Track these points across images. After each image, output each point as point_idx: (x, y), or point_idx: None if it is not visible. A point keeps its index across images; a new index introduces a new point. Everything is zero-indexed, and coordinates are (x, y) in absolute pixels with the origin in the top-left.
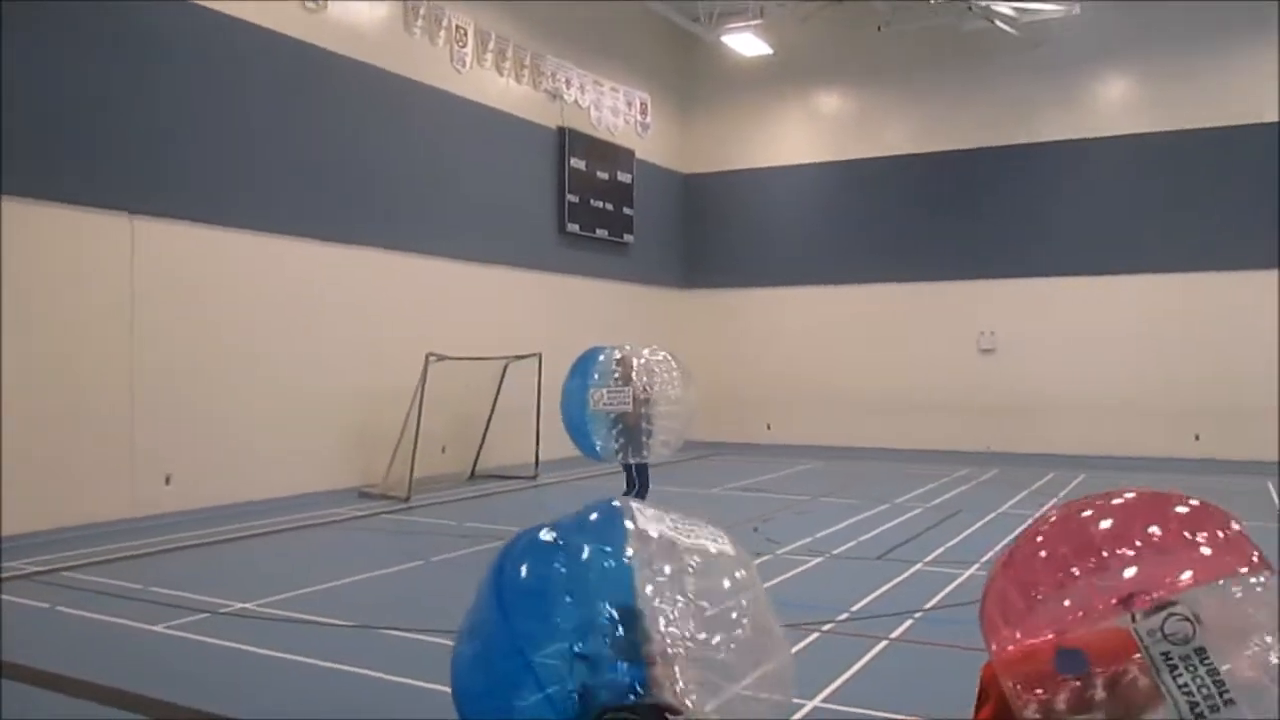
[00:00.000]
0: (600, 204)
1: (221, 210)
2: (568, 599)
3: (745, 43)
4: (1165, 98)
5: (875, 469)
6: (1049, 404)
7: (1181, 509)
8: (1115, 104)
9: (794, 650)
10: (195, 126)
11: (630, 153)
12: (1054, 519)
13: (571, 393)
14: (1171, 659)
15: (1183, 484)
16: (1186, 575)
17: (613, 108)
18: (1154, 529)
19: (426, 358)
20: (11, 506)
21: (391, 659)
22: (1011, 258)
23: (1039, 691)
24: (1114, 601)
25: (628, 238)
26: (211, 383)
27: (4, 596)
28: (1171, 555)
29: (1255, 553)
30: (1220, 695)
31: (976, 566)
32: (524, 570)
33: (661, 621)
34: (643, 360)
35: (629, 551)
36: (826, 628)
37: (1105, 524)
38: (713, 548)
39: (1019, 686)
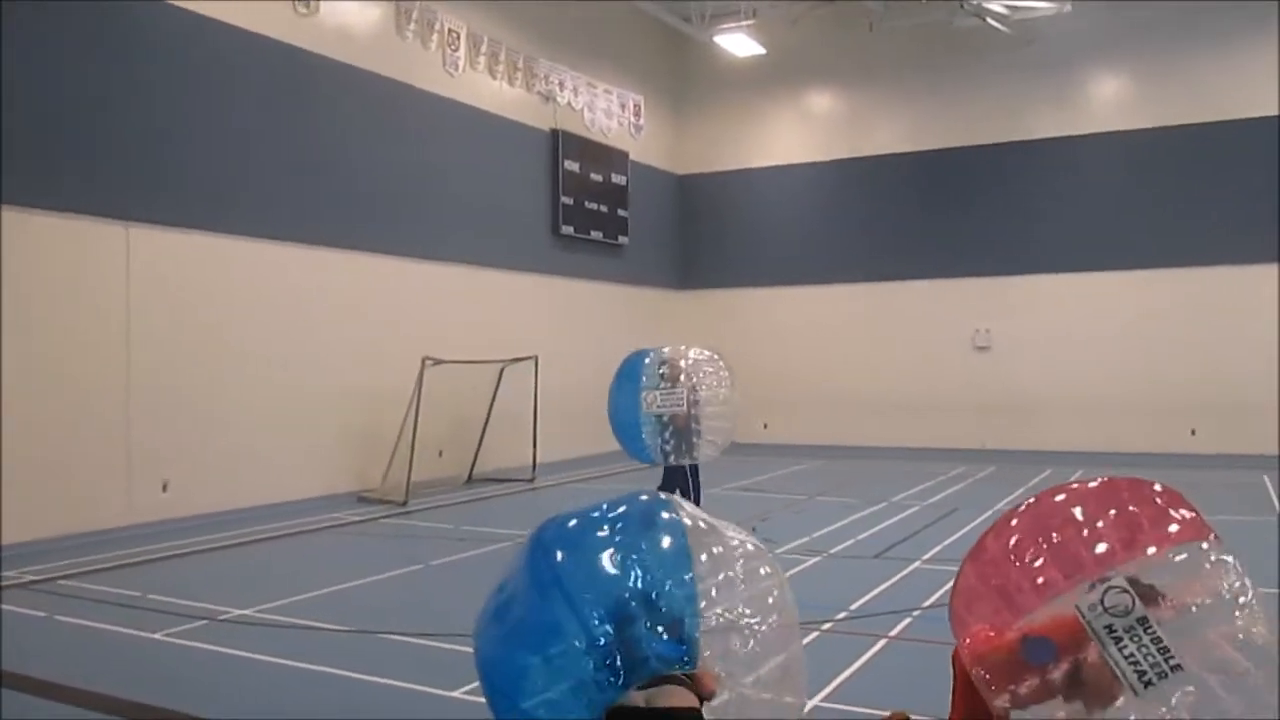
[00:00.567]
0: (594, 206)
1: (217, 217)
2: (619, 561)
3: (738, 43)
4: (1156, 94)
5: (872, 467)
6: (1044, 401)
7: (1143, 493)
8: (1107, 101)
9: None
10: (189, 133)
11: (624, 154)
12: (1017, 510)
13: (621, 396)
14: (1115, 631)
15: (1179, 479)
16: (1150, 550)
17: (606, 109)
18: (1115, 512)
19: (423, 361)
20: (9, 515)
21: (390, 664)
22: (1005, 255)
23: (1009, 682)
24: (1080, 584)
25: (622, 239)
26: (208, 389)
27: (2, 605)
28: (1135, 536)
29: (1213, 532)
30: (1166, 661)
31: None
32: (572, 536)
33: (714, 593)
34: (690, 360)
35: (686, 522)
36: (825, 626)
37: (1068, 511)
38: (746, 538)
39: (988, 677)
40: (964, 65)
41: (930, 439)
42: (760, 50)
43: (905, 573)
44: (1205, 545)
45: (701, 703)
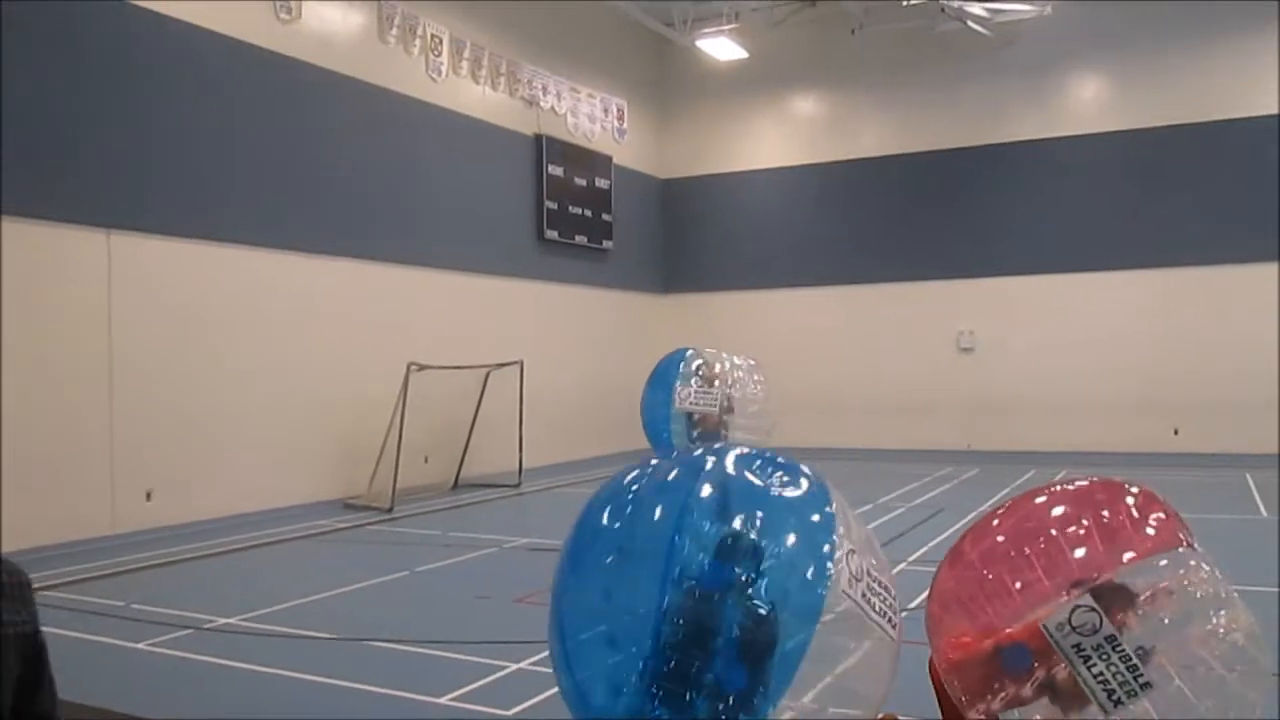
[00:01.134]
0: (579, 210)
1: (199, 223)
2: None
3: (720, 47)
4: (1136, 96)
5: (857, 469)
6: (1029, 401)
7: (1121, 496)
8: (1088, 103)
9: None
10: (171, 139)
11: (608, 158)
12: (996, 514)
13: (654, 391)
14: (1083, 650)
15: (1162, 478)
16: (1128, 556)
17: (589, 114)
18: (1093, 517)
19: (407, 367)
20: None
21: (377, 671)
22: (989, 257)
23: (984, 691)
24: (1059, 589)
25: (607, 244)
26: (191, 397)
27: None
28: (1113, 541)
29: (1188, 538)
30: (1135, 679)
31: None
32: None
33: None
34: (728, 364)
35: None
36: None
37: (1046, 517)
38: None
39: (962, 689)
40: (945, 68)
41: (915, 440)
42: (743, 54)
43: (892, 574)
44: (1181, 550)
45: None
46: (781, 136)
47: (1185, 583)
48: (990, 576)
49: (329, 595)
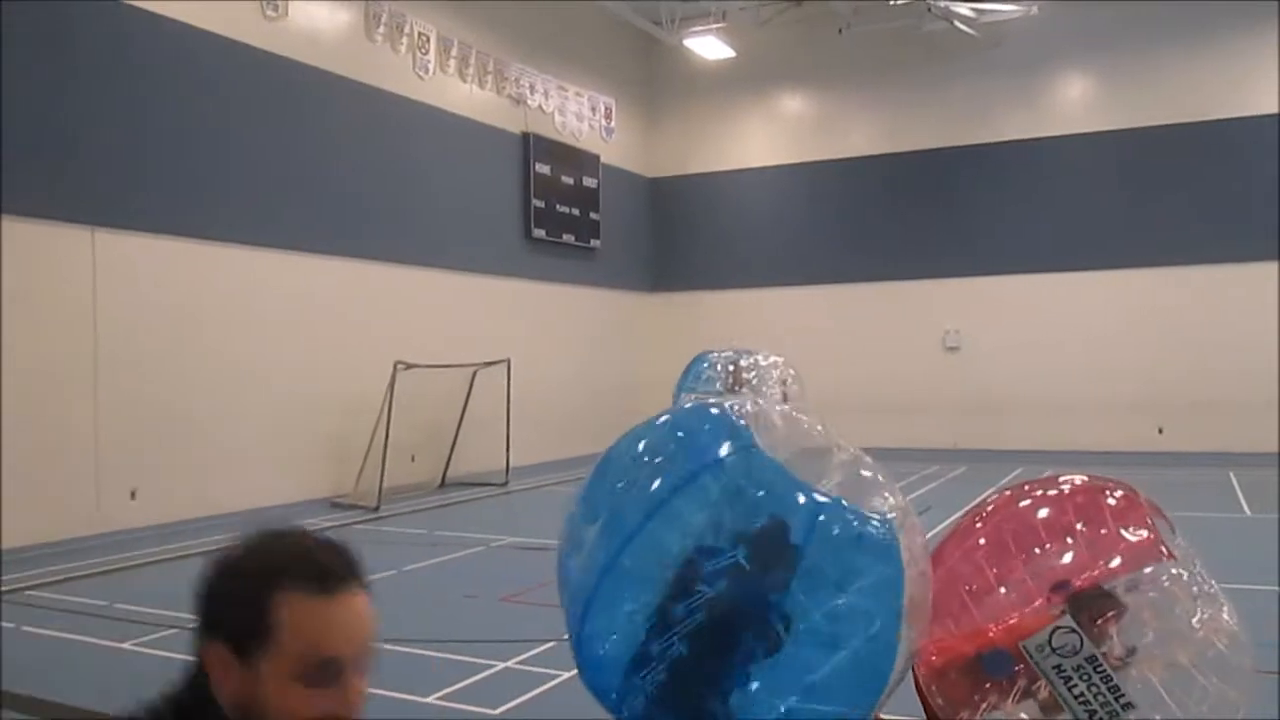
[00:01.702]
0: (566, 209)
1: (184, 221)
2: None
3: (708, 46)
4: (1122, 96)
5: None
6: (1014, 400)
7: (1103, 497)
8: (1074, 102)
9: None
10: (156, 137)
11: (595, 157)
12: (980, 514)
13: (676, 396)
14: (1064, 671)
15: (1147, 476)
16: (1115, 562)
17: (577, 112)
18: (1076, 519)
19: (395, 366)
20: None
21: None
22: (975, 256)
23: (967, 696)
24: (1041, 590)
25: (594, 242)
26: (176, 396)
27: None
28: (1095, 544)
29: (1168, 543)
30: (1116, 700)
31: None
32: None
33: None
34: (752, 369)
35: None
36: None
37: (1029, 519)
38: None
39: (941, 698)
40: (933, 68)
41: (902, 439)
42: (730, 53)
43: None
44: (1163, 552)
45: None
46: (769, 135)
47: (1167, 587)
48: (972, 580)
49: None
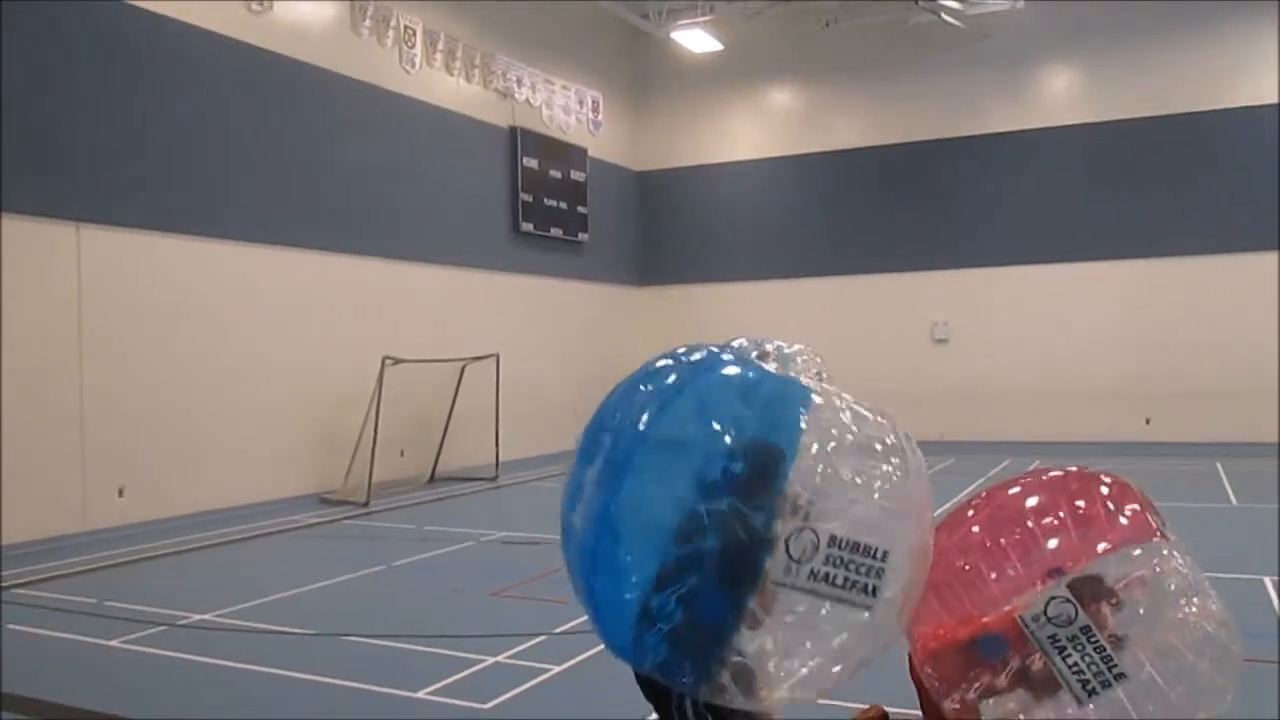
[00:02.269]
0: (554, 203)
1: (170, 216)
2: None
3: (695, 39)
4: (1109, 88)
5: None
6: (1003, 392)
7: (1094, 486)
8: (1061, 95)
9: None
10: (140, 132)
11: (583, 151)
12: (971, 505)
13: None
14: (1059, 640)
15: (1135, 466)
16: (1103, 546)
17: (564, 106)
18: (1067, 508)
19: (383, 361)
20: None
21: (353, 666)
22: (963, 248)
23: (960, 680)
24: (1035, 578)
25: (582, 236)
26: (164, 391)
27: None
28: (1086, 531)
29: (1160, 527)
30: (1109, 670)
31: None
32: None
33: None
34: (780, 353)
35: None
36: None
37: (1021, 508)
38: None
39: (938, 678)
40: (920, 61)
41: None
42: (717, 46)
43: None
44: (1155, 540)
45: None
46: (756, 129)
47: (1158, 572)
48: (966, 566)
49: (304, 590)
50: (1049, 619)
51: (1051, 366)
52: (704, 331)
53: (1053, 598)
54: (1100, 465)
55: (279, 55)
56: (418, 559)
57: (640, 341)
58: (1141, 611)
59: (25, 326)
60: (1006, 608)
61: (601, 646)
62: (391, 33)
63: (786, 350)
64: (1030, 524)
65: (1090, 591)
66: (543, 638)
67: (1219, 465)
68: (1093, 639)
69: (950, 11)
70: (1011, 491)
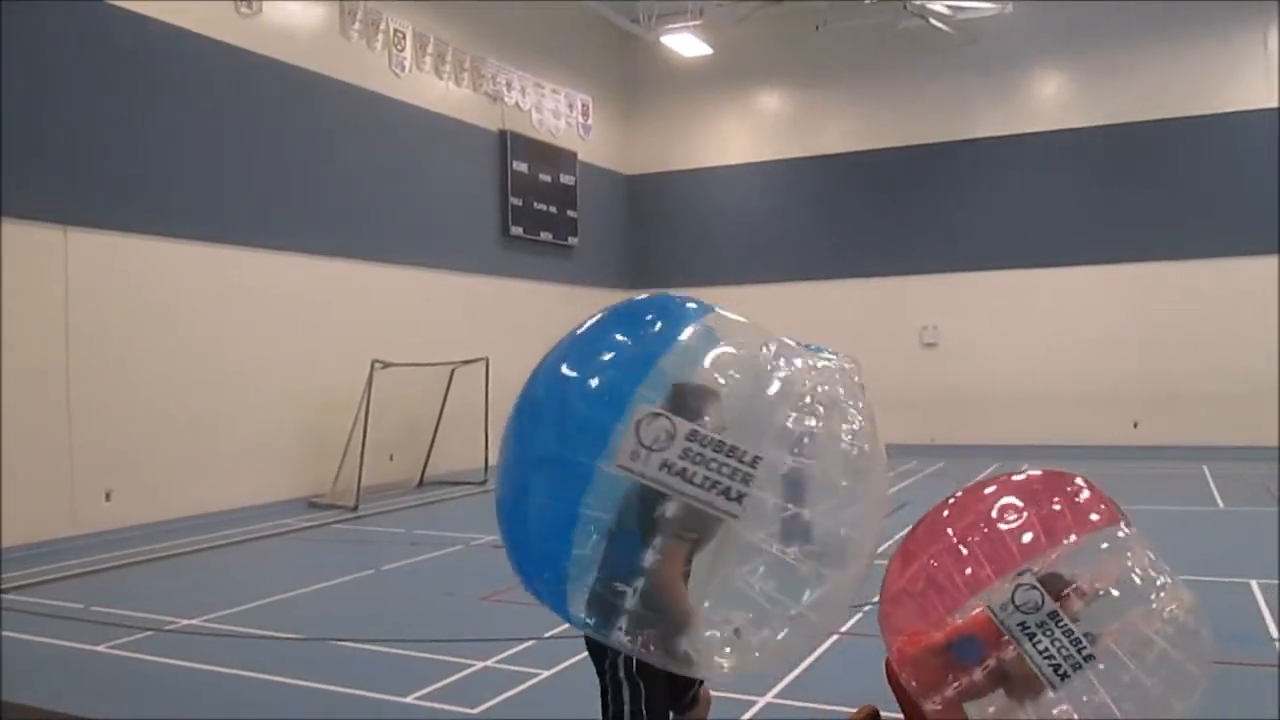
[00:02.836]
0: (544, 207)
1: (158, 220)
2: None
3: (685, 43)
4: (1097, 92)
5: None
6: (992, 396)
7: (1062, 485)
8: (1049, 99)
9: None
10: (128, 134)
11: (572, 155)
12: (945, 504)
13: None
14: (1028, 627)
15: (1122, 470)
16: (1070, 539)
17: (554, 110)
18: (1036, 505)
19: (372, 365)
20: None
21: (342, 671)
22: (952, 252)
23: (939, 682)
24: (1006, 577)
25: (572, 240)
26: (151, 395)
27: None
28: (1055, 526)
29: (1125, 519)
30: (1079, 653)
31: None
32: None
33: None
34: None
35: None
36: None
37: (991, 507)
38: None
39: (916, 683)
40: (909, 65)
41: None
42: (707, 50)
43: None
44: (1121, 533)
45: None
46: (746, 133)
47: (1125, 565)
48: (938, 570)
49: (293, 595)
50: (1017, 606)
51: (1040, 370)
52: None
53: (1019, 585)
54: (1087, 468)
55: (268, 58)
56: (407, 563)
57: None
58: (1110, 604)
59: (12, 329)
60: (978, 609)
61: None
62: (381, 36)
63: (819, 362)
64: (998, 527)
65: (1059, 588)
66: (532, 642)
67: (1205, 469)
68: (1061, 623)
69: (939, 16)
70: (980, 495)
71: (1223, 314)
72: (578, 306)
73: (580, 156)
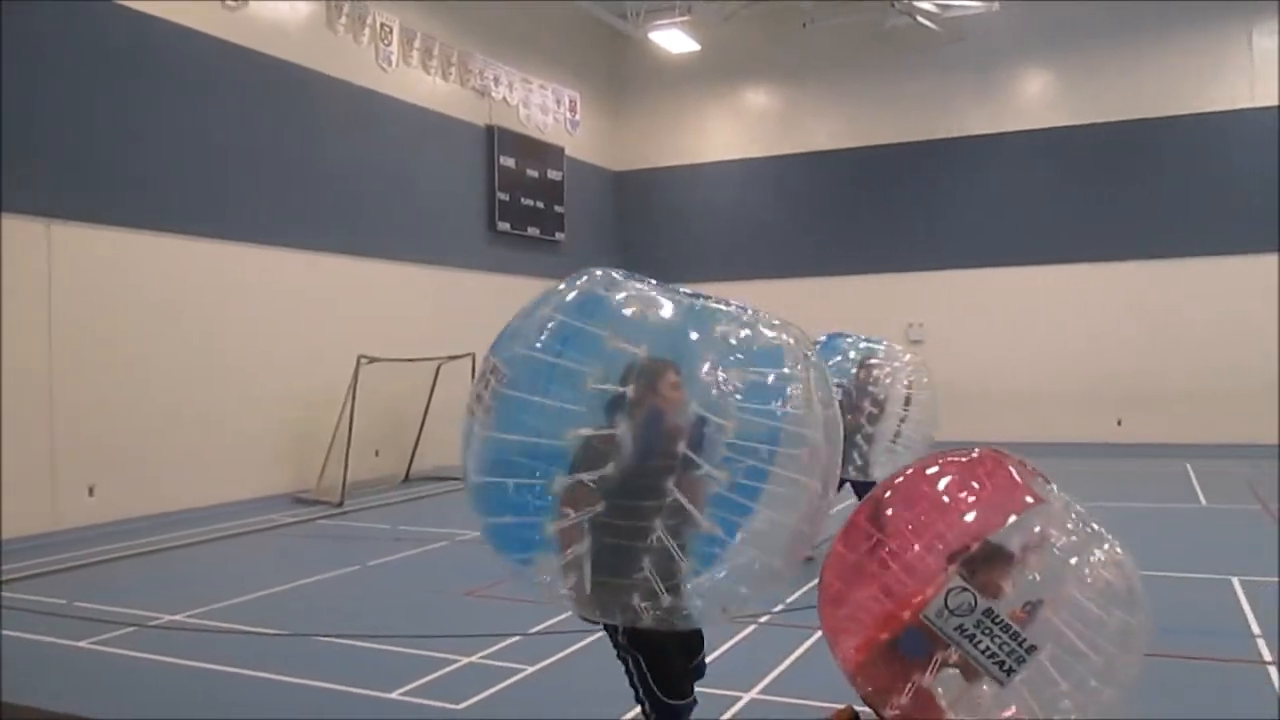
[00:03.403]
0: (531, 202)
1: (142, 213)
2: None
3: (672, 39)
4: (1084, 91)
5: None
6: (977, 392)
7: (1001, 466)
8: (1035, 97)
9: (730, 644)
10: (112, 127)
11: (560, 150)
12: (888, 486)
13: None
14: (966, 630)
15: (1106, 467)
16: (995, 518)
17: (541, 105)
18: (975, 486)
19: (357, 360)
20: None
21: (327, 667)
22: (939, 250)
23: (892, 685)
24: (943, 561)
25: (559, 235)
26: (134, 390)
27: None
28: (994, 505)
29: (1063, 496)
30: (1020, 646)
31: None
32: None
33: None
34: (883, 373)
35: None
36: (763, 619)
37: (931, 491)
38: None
39: (871, 688)
40: (896, 62)
41: None
42: (695, 46)
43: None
44: (1048, 503)
45: None
46: (733, 129)
47: (1054, 533)
48: (877, 564)
49: (278, 591)
50: (951, 611)
51: (1024, 367)
52: None
53: (950, 589)
54: (1071, 465)
55: (254, 52)
56: (392, 559)
57: None
58: (1039, 575)
59: None
60: (917, 600)
61: (575, 647)
62: (368, 30)
63: (895, 364)
64: (924, 516)
65: (993, 564)
66: (517, 638)
67: (1188, 466)
68: (997, 620)
69: (926, 14)
70: (929, 471)
71: (1206, 312)
72: None
73: (568, 152)
